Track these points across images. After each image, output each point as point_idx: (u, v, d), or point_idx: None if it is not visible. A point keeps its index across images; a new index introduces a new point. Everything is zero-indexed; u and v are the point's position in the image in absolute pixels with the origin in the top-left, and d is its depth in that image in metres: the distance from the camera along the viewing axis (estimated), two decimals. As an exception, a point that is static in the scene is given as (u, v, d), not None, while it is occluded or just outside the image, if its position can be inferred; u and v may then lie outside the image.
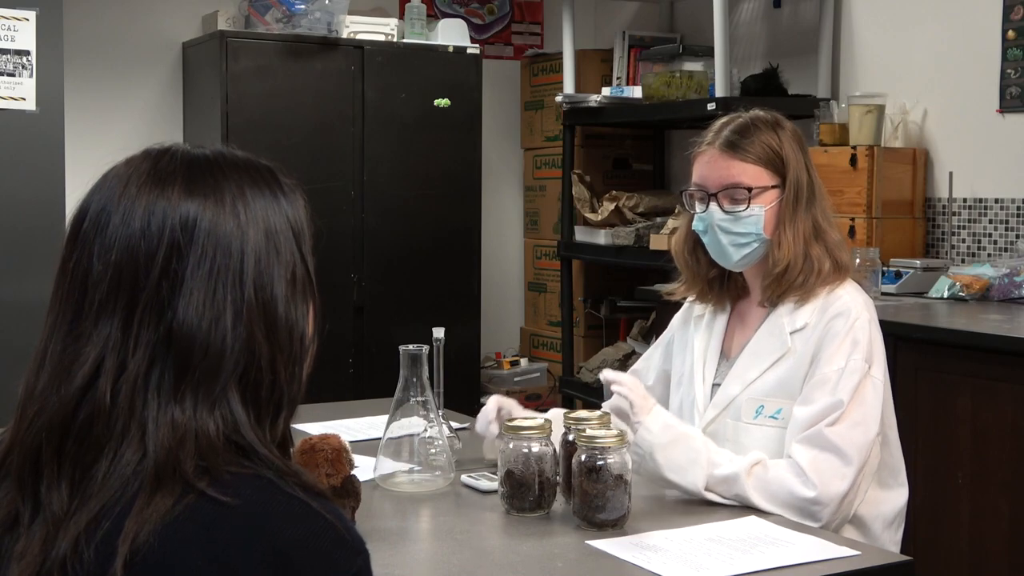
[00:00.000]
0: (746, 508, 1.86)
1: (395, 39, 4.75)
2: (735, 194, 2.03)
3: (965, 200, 3.89)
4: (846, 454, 1.88)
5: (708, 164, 2.06)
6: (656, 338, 2.33)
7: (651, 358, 2.30)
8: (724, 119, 2.10)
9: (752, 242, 2.04)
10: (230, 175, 1.09)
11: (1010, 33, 3.76)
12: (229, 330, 1.03)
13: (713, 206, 2.04)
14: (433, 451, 1.97)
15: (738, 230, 2.03)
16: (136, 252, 1.04)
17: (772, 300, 2.05)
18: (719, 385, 2.09)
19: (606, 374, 1.98)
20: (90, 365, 1.02)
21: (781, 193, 2.04)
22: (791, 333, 2.01)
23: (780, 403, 1.99)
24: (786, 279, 2.01)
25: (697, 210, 2.07)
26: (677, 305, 2.29)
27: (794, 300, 2.03)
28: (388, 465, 1.97)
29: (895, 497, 2.06)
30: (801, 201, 2.03)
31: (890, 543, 2.04)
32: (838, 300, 2.00)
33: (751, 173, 2.03)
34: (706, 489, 1.87)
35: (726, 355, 2.12)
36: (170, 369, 1.02)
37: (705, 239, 2.08)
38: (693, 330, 2.18)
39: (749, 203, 2.02)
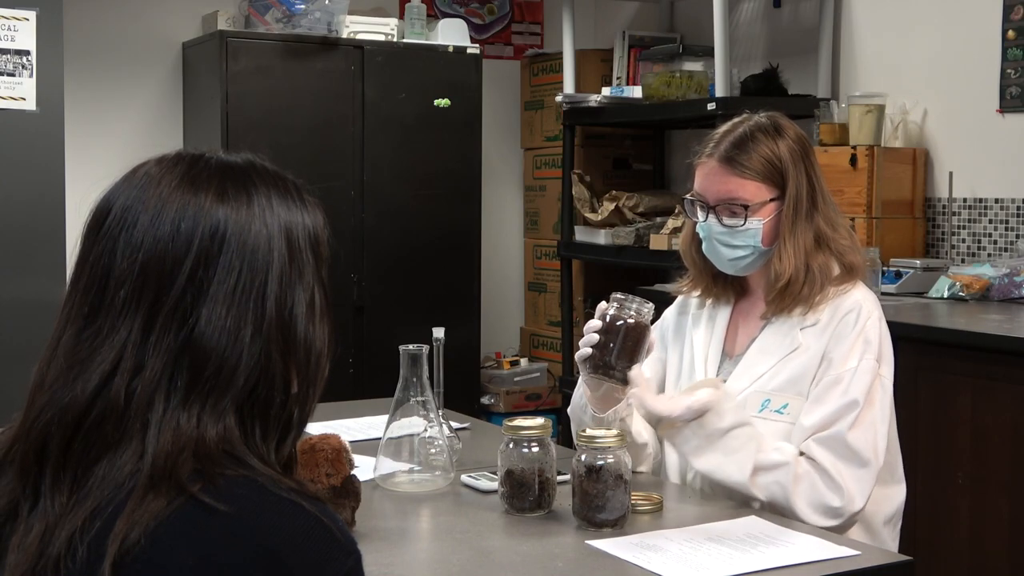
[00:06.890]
0: (746, 508, 1.86)
1: (395, 39, 4.75)
2: (733, 209, 2.03)
3: (965, 200, 3.89)
4: (866, 459, 1.92)
5: (707, 176, 2.06)
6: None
7: None
8: (725, 127, 2.09)
9: (749, 254, 2.05)
10: (260, 186, 1.10)
11: (1010, 33, 3.76)
12: (247, 346, 1.04)
13: (712, 219, 2.04)
14: (433, 451, 1.97)
15: (736, 243, 2.04)
16: (164, 255, 1.04)
17: (777, 312, 2.05)
18: (724, 381, 2.08)
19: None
20: (108, 364, 1.02)
21: (781, 205, 2.03)
22: (801, 329, 2.02)
23: (787, 398, 2.00)
24: (789, 292, 2.01)
25: (698, 218, 2.08)
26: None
27: (801, 312, 2.03)
28: (388, 465, 1.97)
29: (894, 494, 2.07)
30: (801, 212, 2.03)
31: (889, 539, 2.05)
32: (849, 298, 2.01)
33: (749, 189, 2.02)
34: (752, 470, 1.89)
35: (728, 354, 2.13)
36: (183, 376, 1.02)
37: (704, 246, 2.09)
38: (691, 326, 2.18)
39: (747, 218, 2.02)
